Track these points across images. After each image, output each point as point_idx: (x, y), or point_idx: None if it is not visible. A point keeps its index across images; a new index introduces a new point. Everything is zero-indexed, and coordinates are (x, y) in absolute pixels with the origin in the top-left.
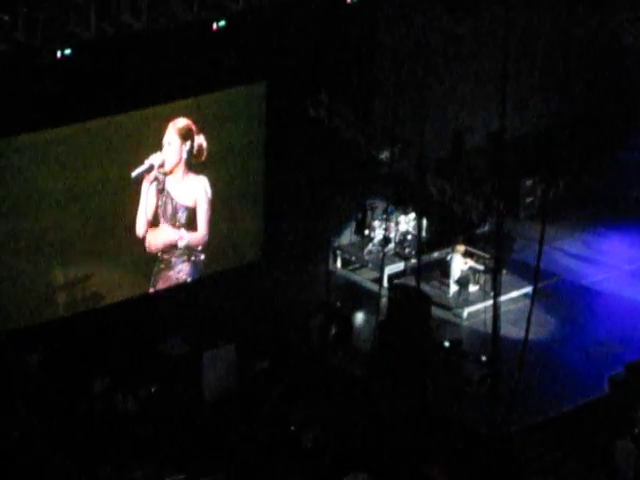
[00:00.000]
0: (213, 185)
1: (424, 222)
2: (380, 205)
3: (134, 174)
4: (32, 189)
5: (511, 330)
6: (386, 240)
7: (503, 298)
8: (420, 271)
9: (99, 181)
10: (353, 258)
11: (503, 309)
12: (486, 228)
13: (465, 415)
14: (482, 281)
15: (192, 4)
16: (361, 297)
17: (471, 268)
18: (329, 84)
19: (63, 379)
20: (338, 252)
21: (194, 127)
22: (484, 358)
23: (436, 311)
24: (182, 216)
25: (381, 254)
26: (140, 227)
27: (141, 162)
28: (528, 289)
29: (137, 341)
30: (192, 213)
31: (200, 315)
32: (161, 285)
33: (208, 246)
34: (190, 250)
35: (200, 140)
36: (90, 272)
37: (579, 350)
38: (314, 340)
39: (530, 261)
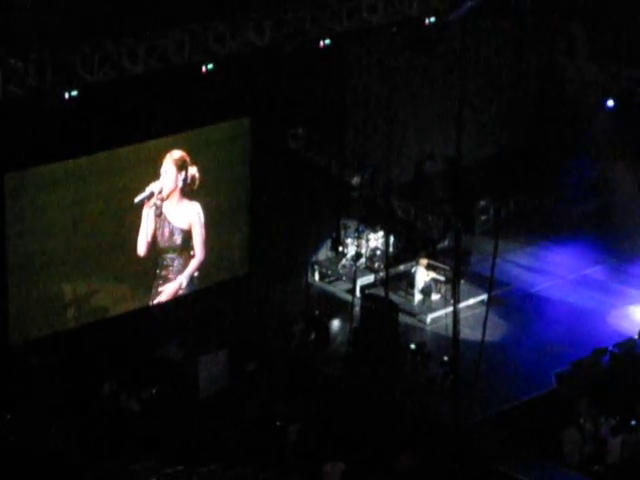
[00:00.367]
0: (205, 210)
1: (391, 239)
2: (352, 224)
3: (136, 200)
4: (44, 215)
5: (469, 333)
6: (358, 255)
7: (462, 305)
8: (388, 282)
9: (104, 207)
10: (329, 272)
11: (462, 315)
12: (446, 243)
13: (430, 409)
14: (443, 290)
15: (183, 49)
16: (337, 306)
17: (433, 279)
18: (306, 119)
19: (76, 383)
20: (316, 267)
21: (188, 158)
22: (446, 358)
23: (403, 317)
24: (178, 238)
25: (354, 268)
26: (141, 248)
27: (141, 190)
28: (483, 297)
29: (139, 348)
30: (187, 235)
31: (195, 324)
32: (160, 298)
33: (202, 263)
34: (185, 269)
35: (193, 171)
36: (96, 288)
37: (529, 350)
38: (296, 344)
39: (485, 272)
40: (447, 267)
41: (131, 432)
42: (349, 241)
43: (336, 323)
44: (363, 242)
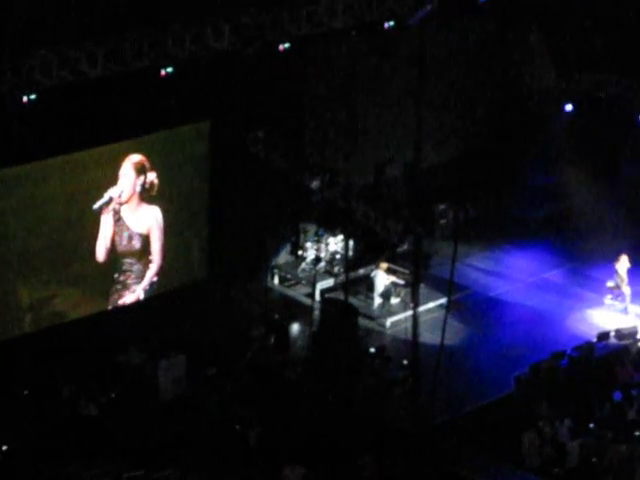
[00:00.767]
0: (164, 214)
1: (351, 243)
2: (312, 228)
3: (95, 206)
4: (0, 220)
5: (429, 337)
6: (317, 259)
7: (421, 309)
8: (348, 286)
9: (62, 211)
10: (289, 275)
11: (421, 318)
12: (405, 247)
13: (390, 412)
14: (403, 294)
15: (142, 53)
16: (296, 310)
17: (393, 283)
18: (265, 122)
19: (34, 387)
20: (275, 270)
21: (147, 162)
22: (405, 362)
23: (362, 321)
24: (137, 243)
25: (313, 272)
26: (100, 253)
27: (99, 194)
28: (443, 300)
29: (98, 352)
30: (146, 240)
31: (155, 328)
32: (119, 303)
33: (161, 268)
34: (144, 275)
35: (152, 176)
36: (54, 293)
37: (488, 353)
38: (256, 349)
39: (444, 276)
40: (407, 271)
41: (90, 436)
42: (309, 245)
43: (296, 327)
44: (323, 246)
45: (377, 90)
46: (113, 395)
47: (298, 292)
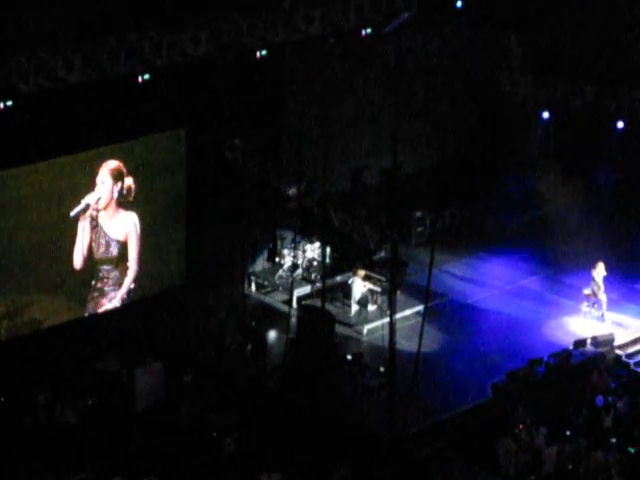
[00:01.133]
0: (141, 220)
1: (328, 250)
2: (289, 235)
3: (73, 213)
4: None
5: (405, 344)
6: (294, 266)
7: (398, 316)
8: (325, 293)
9: (38, 218)
10: (266, 283)
11: (398, 326)
12: (382, 254)
13: (366, 420)
14: (379, 301)
15: (119, 59)
16: (273, 317)
17: (370, 290)
18: (242, 129)
19: (10, 394)
20: (252, 277)
21: (124, 169)
22: (382, 369)
23: (339, 328)
24: (114, 249)
25: (290, 279)
26: (77, 260)
27: (76, 200)
28: (420, 308)
29: (75, 360)
30: (123, 246)
31: (131, 335)
32: (96, 310)
33: (138, 275)
34: (121, 282)
35: (129, 182)
36: (30, 301)
37: (465, 361)
38: (232, 356)
39: (421, 283)
40: (383, 278)
41: (67, 444)
42: (286, 252)
43: (272, 334)
44: (300, 253)
45: (354, 97)
46: (90, 402)
47: (275, 299)
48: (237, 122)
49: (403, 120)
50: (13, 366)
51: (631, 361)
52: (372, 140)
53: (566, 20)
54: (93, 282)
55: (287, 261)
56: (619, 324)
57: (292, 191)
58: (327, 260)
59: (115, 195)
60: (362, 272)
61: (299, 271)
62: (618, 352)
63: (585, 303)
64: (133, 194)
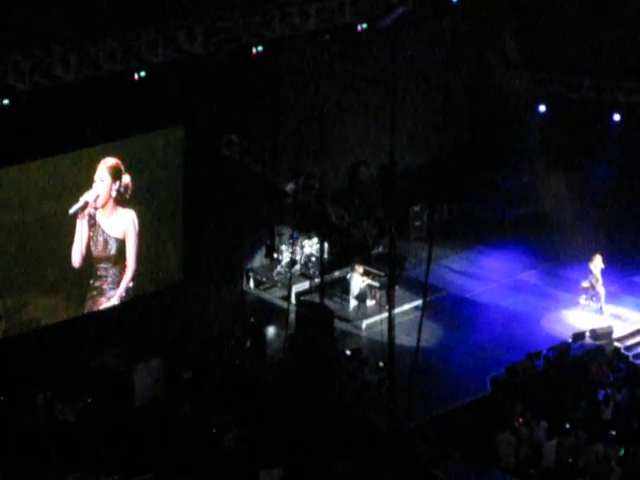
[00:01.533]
0: (139, 218)
1: (326, 245)
2: (287, 231)
3: (71, 211)
4: None
5: (404, 339)
6: (293, 262)
7: (397, 311)
8: (323, 289)
9: (36, 217)
10: (264, 279)
11: (397, 320)
12: (380, 249)
13: (366, 414)
14: (378, 296)
15: (115, 57)
16: (272, 313)
17: (368, 285)
18: (239, 126)
19: (9, 393)
20: (251, 274)
21: (122, 166)
22: (381, 364)
23: (338, 324)
24: (112, 247)
25: (289, 274)
26: (75, 259)
27: (74, 198)
28: (418, 302)
29: (74, 357)
30: (121, 244)
31: (130, 332)
32: (94, 308)
33: (136, 272)
34: (120, 280)
35: (127, 179)
36: (28, 300)
37: (464, 355)
38: (231, 352)
39: (420, 277)
40: (382, 273)
41: (67, 442)
42: (284, 248)
43: (271, 330)
44: (298, 249)
45: (351, 92)
46: (89, 400)
47: (274, 295)
48: (234, 118)
49: (400, 115)
50: (12, 365)
51: (630, 353)
52: (369, 135)
53: (562, 14)
54: (91, 281)
55: (285, 257)
56: (618, 316)
57: (290, 187)
58: (325, 256)
59: (113, 193)
60: (360, 267)
61: (297, 267)
62: (617, 344)
63: (583, 296)
64: (131, 192)
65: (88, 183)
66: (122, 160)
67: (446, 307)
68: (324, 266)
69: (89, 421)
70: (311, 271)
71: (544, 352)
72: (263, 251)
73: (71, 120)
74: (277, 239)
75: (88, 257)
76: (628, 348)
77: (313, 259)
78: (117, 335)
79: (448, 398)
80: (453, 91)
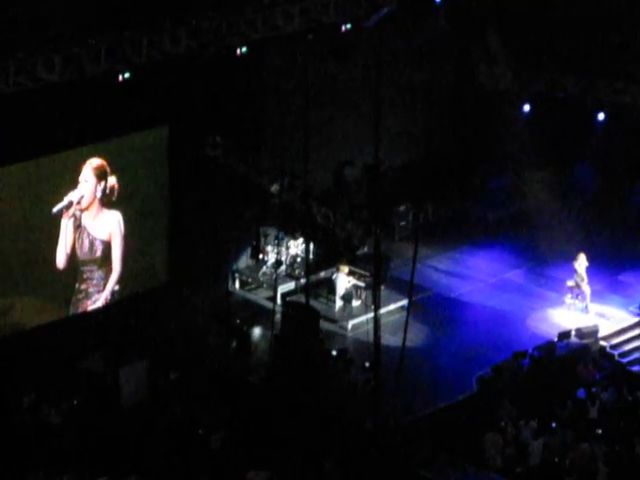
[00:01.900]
0: (124, 219)
1: (311, 246)
2: (272, 232)
3: (55, 210)
4: None
5: (390, 339)
6: (278, 263)
7: (382, 311)
8: (309, 289)
9: (21, 219)
10: (250, 279)
11: (383, 320)
12: (365, 249)
13: (352, 415)
14: (364, 296)
15: (99, 59)
16: (258, 314)
17: (354, 285)
18: (224, 126)
19: None
20: (236, 274)
21: (107, 167)
22: (367, 364)
23: (324, 324)
24: (98, 249)
25: (274, 275)
26: (60, 261)
27: (59, 200)
28: (404, 302)
29: (59, 360)
30: (107, 246)
31: (115, 334)
32: (80, 310)
33: (122, 274)
34: (105, 282)
35: (112, 181)
36: (12, 303)
37: (450, 354)
38: (216, 353)
39: (405, 277)
40: (367, 273)
41: (53, 444)
42: (269, 248)
43: (257, 331)
44: (283, 249)
45: (335, 92)
46: (75, 402)
47: (259, 296)
48: (218, 119)
49: (384, 115)
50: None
51: (615, 352)
52: (354, 135)
53: (546, 12)
54: (77, 284)
55: (271, 258)
56: (603, 315)
57: (274, 187)
58: (310, 256)
59: (98, 194)
60: (346, 267)
61: (283, 267)
62: (602, 343)
63: (569, 295)
64: (116, 193)
65: (73, 185)
66: (107, 161)
67: (432, 307)
68: (309, 266)
69: (75, 423)
70: (296, 272)
71: (530, 351)
72: (248, 252)
73: (56, 121)
74: (262, 240)
75: (73, 259)
76: (614, 347)
77: (298, 259)
78: (103, 337)
79: (434, 398)
80: (437, 91)
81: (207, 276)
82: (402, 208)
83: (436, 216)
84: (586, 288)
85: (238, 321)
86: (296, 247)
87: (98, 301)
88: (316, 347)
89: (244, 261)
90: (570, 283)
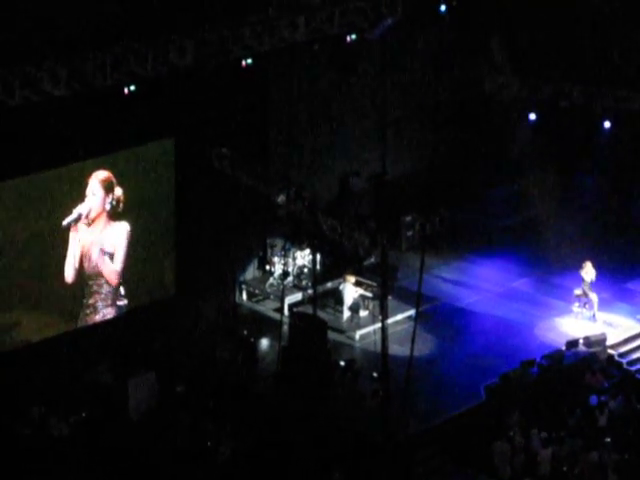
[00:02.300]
0: (132, 231)
1: (318, 256)
2: (279, 243)
3: (65, 222)
4: None
5: (398, 349)
6: (285, 274)
7: (390, 321)
8: (316, 300)
9: (28, 233)
10: (257, 291)
11: (390, 330)
12: (372, 260)
13: (361, 425)
14: (371, 306)
15: (105, 71)
16: (265, 325)
17: (361, 295)
18: (230, 138)
19: (3, 408)
20: (243, 286)
21: (114, 179)
22: (375, 374)
23: (332, 335)
24: (106, 262)
25: (281, 286)
26: (68, 275)
27: (66, 213)
28: (411, 312)
29: (67, 372)
30: (115, 259)
31: (123, 346)
32: (88, 323)
33: (129, 288)
34: (114, 296)
35: (119, 192)
36: (19, 320)
37: (458, 364)
38: (224, 365)
39: (412, 287)
40: (374, 283)
41: (61, 456)
42: (276, 260)
43: (265, 342)
44: (290, 260)
45: (341, 103)
46: (83, 415)
47: (267, 307)
48: (224, 131)
49: (390, 125)
50: (5, 379)
51: (624, 360)
52: (360, 145)
53: (551, 21)
54: (85, 297)
55: (278, 269)
56: (611, 324)
57: (281, 198)
58: (317, 267)
59: (107, 207)
60: (353, 278)
61: (290, 278)
62: (610, 352)
63: (576, 303)
64: (123, 205)
65: (80, 198)
66: (114, 174)
67: (439, 317)
68: (316, 277)
69: (83, 435)
70: (303, 282)
71: (538, 360)
72: (255, 263)
73: (62, 134)
74: (269, 251)
75: (81, 272)
76: (622, 355)
77: (305, 270)
78: (111, 349)
79: (443, 407)
80: (443, 100)
81: (214, 288)
82: (409, 218)
83: (443, 226)
84: (593, 296)
85: (245, 332)
86: (303, 258)
87: (106, 315)
88: (324, 358)
89: (251, 272)
90: (577, 291)
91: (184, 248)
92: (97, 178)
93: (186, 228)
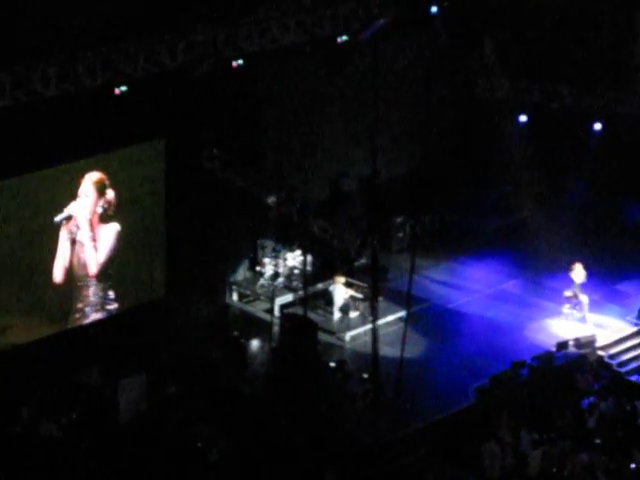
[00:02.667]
0: (122, 233)
1: (309, 258)
2: (269, 244)
3: (56, 219)
4: None
5: (388, 350)
6: (276, 275)
7: (380, 322)
8: (307, 301)
9: (18, 234)
10: (247, 292)
11: (381, 332)
12: (363, 261)
13: (351, 426)
14: (361, 308)
15: (95, 72)
16: (256, 326)
17: (351, 297)
18: (221, 139)
19: None
20: (234, 287)
21: (107, 181)
22: (366, 376)
23: (322, 336)
24: (96, 263)
25: (272, 287)
26: (57, 275)
27: (58, 214)
28: (402, 313)
29: (58, 373)
30: (105, 260)
31: (114, 348)
32: (77, 324)
33: (120, 287)
34: (103, 301)
35: (111, 196)
36: (8, 324)
37: (448, 365)
38: (215, 365)
39: (403, 288)
40: (365, 285)
41: (51, 458)
42: (267, 261)
43: (255, 343)
44: (281, 261)
45: (332, 104)
46: (74, 416)
47: (257, 308)
48: (215, 131)
49: (381, 127)
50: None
51: (614, 362)
52: (351, 147)
53: (541, 23)
54: (74, 300)
55: (268, 270)
56: (601, 325)
57: (272, 200)
58: (308, 268)
59: (99, 209)
60: (343, 279)
61: (280, 279)
62: (600, 353)
63: (567, 305)
64: (114, 207)
65: (72, 199)
66: (106, 174)
67: (429, 318)
68: (307, 278)
69: (74, 437)
70: (294, 284)
71: (528, 361)
72: (246, 264)
73: (53, 135)
74: (260, 252)
75: (71, 274)
76: (612, 356)
77: (296, 271)
78: (101, 350)
79: (433, 408)
80: (434, 102)
81: (205, 289)
82: (399, 219)
83: (433, 227)
84: (584, 298)
85: (236, 333)
86: (293, 259)
87: (96, 316)
88: (314, 359)
89: (242, 273)
90: (568, 293)
91: (174, 249)
92: (90, 179)
93: (177, 229)
